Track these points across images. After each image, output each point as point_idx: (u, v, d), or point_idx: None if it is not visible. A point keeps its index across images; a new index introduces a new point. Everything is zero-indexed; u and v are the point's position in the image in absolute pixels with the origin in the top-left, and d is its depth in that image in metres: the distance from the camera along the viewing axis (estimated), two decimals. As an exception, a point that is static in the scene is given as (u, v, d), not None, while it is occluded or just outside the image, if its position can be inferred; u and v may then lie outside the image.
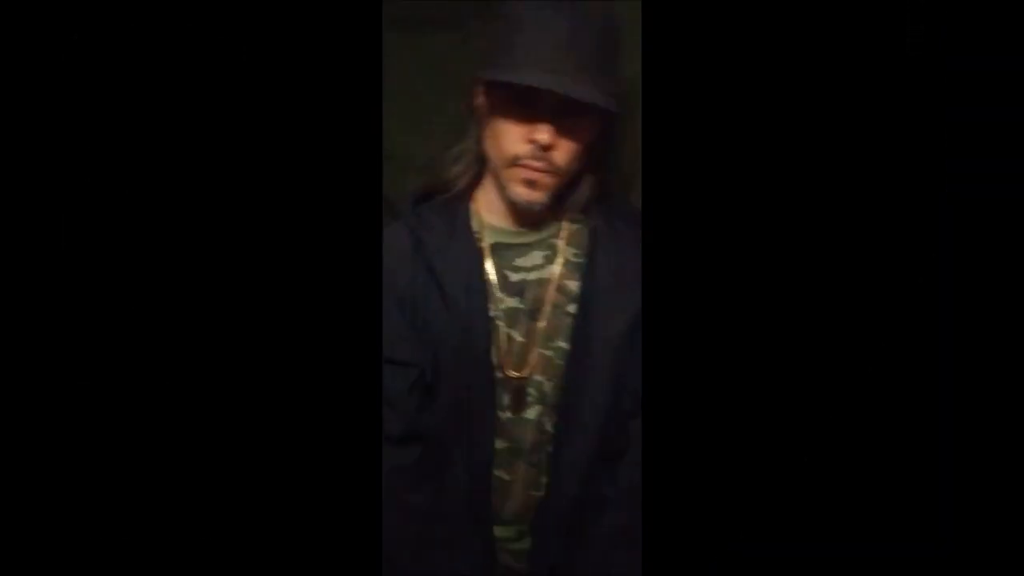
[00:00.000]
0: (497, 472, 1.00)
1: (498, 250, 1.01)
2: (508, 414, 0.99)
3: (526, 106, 0.93)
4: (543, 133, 0.93)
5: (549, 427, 0.99)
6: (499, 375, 0.99)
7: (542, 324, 0.99)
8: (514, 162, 0.95)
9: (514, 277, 1.01)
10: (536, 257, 1.02)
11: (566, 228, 1.02)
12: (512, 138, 0.95)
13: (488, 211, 1.03)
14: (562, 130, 0.94)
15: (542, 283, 1.00)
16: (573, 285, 1.01)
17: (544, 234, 1.02)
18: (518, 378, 0.98)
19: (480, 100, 0.97)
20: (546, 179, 0.96)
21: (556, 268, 1.01)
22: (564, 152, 0.95)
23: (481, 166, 1.02)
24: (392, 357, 0.98)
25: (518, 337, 0.99)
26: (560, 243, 1.02)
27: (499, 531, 1.01)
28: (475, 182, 1.03)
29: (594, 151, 0.99)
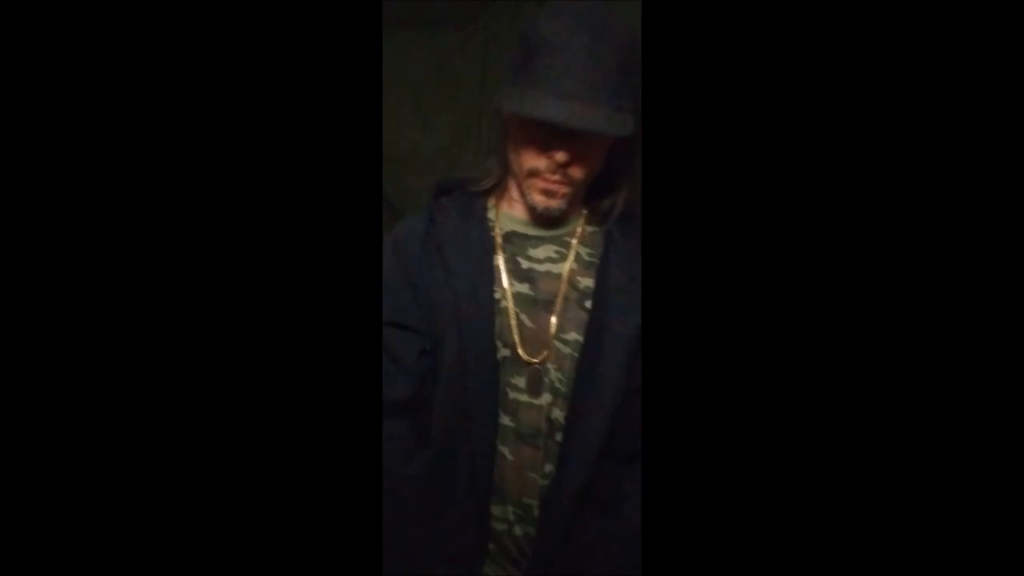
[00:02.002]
0: (501, 448, 1.02)
1: (511, 239, 1.05)
2: (524, 396, 1.01)
3: (544, 126, 0.96)
4: (559, 153, 0.97)
5: (558, 416, 1.01)
6: (508, 354, 1.01)
7: (555, 315, 1.02)
8: (532, 174, 1.00)
9: (524, 264, 1.04)
10: (549, 250, 1.05)
11: (581, 229, 1.06)
12: (530, 154, 0.99)
13: (508, 206, 1.07)
14: (579, 148, 0.98)
15: (553, 276, 1.03)
16: (587, 282, 1.03)
17: (559, 232, 1.06)
18: (534, 363, 1.01)
19: (502, 114, 1.02)
20: (563, 189, 1.01)
21: (568, 264, 1.04)
22: (581, 167, 1.00)
23: (505, 171, 1.06)
24: (401, 322, 1.01)
25: (529, 323, 1.02)
26: (574, 242, 1.05)
27: (496, 510, 1.02)
28: (498, 183, 1.08)
29: (616, 160, 1.04)
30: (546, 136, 0.97)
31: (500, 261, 1.04)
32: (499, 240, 1.05)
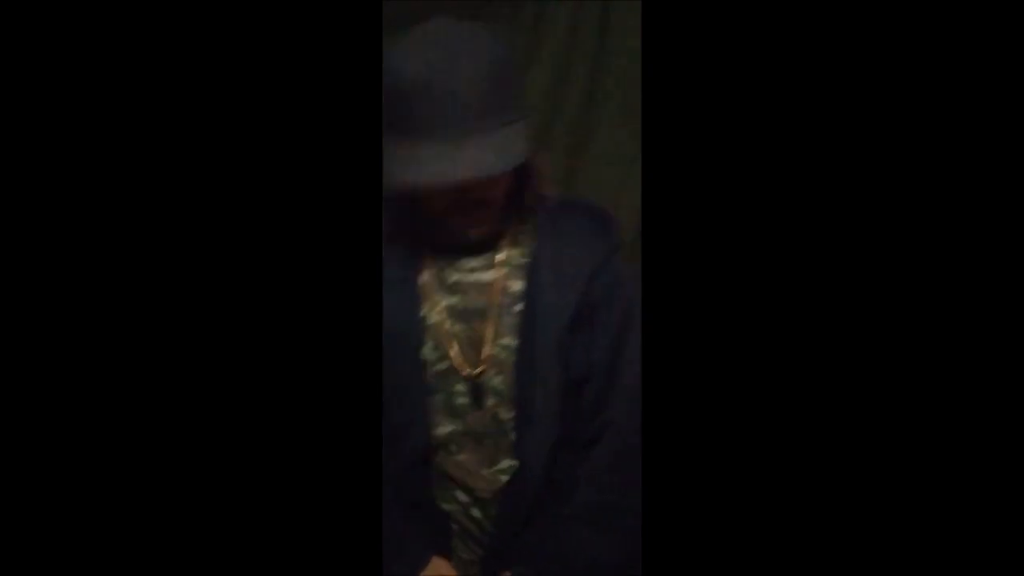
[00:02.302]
0: (452, 453, 1.04)
1: (440, 252, 1.05)
2: (468, 400, 1.04)
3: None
4: (466, 193, 0.94)
5: (506, 416, 1.03)
6: (446, 367, 1.03)
7: (490, 323, 1.03)
8: (450, 212, 0.98)
9: (453, 277, 1.04)
10: (476, 261, 1.04)
11: (511, 233, 1.05)
12: (440, 199, 0.96)
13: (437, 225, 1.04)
14: (485, 180, 0.94)
15: (483, 285, 1.04)
16: (517, 285, 1.04)
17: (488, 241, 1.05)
18: (474, 375, 1.03)
19: None
20: (488, 214, 0.99)
21: (497, 270, 1.04)
22: (497, 190, 0.97)
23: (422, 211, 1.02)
24: None
25: (466, 334, 1.03)
26: (504, 245, 1.04)
27: (448, 496, 1.06)
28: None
29: (527, 164, 1.00)
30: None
31: (427, 277, 1.04)
32: (428, 256, 1.04)
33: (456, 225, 0.99)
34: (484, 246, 1.04)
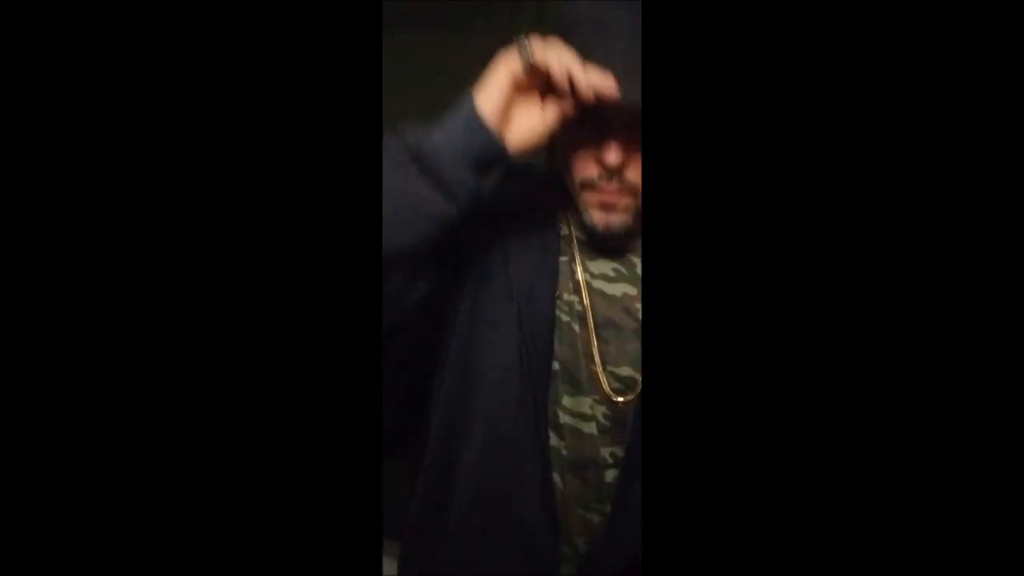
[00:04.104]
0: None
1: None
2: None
3: (594, 125, 0.87)
4: (611, 154, 0.86)
5: (604, 453, 0.96)
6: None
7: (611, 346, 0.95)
8: (586, 186, 0.90)
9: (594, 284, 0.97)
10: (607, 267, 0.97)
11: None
12: (581, 162, 0.89)
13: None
14: (634, 146, 0.87)
15: (612, 299, 0.96)
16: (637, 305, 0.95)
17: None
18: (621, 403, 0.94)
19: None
20: (624, 200, 0.89)
21: (629, 286, 0.96)
22: (639, 170, 0.88)
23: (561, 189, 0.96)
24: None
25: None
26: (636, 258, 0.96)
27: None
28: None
29: None
30: (596, 136, 0.87)
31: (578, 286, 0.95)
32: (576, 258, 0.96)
33: (592, 206, 0.90)
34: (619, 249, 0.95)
